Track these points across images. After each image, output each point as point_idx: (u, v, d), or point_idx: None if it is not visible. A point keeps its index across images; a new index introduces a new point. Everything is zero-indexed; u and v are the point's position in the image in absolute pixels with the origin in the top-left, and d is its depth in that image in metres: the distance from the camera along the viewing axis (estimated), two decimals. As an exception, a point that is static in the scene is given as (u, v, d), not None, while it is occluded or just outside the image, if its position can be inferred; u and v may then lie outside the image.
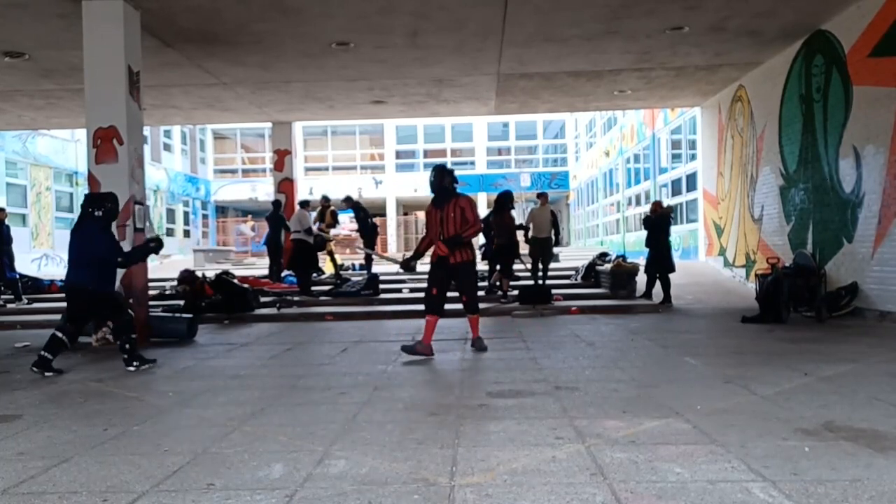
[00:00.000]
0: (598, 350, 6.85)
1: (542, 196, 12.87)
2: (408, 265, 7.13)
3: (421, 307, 6.83)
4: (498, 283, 11.62)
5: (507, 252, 11.38)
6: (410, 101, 13.51)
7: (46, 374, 5.97)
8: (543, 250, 12.06)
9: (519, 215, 15.93)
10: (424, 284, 6.71)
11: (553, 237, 12.10)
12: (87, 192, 7.24)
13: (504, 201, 11.28)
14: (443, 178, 6.61)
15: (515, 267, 11.86)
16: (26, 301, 12.11)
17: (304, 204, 13.22)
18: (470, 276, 6.73)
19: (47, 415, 4.56)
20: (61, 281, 14.03)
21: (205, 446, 3.70)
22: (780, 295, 8.69)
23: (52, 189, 20.08)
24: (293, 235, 12.46)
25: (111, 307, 6.37)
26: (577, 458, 3.32)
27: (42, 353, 6.07)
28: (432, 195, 6.69)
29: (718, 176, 14.23)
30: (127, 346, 6.24)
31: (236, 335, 8.75)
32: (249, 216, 33.20)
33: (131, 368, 6.17)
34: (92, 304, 6.26)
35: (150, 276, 9.83)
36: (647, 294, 11.09)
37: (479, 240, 13.03)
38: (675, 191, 18.14)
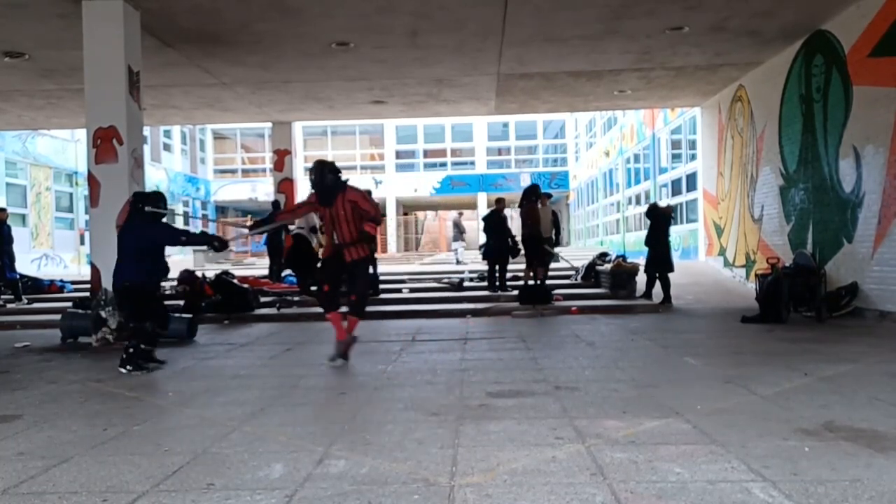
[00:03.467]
0: (598, 350, 6.85)
1: (544, 196, 12.84)
2: (251, 228, 6.83)
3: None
4: (532, 274, 11.40)
5: (535, 243, 11.22)
6: (410, 101, 13.51)
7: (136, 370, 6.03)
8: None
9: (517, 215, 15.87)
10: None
11: (553, 237, 12.09)
12: (135, 190, 7.26)
13: (531, 193, 11.42)
14: (323, 175, 6.01)
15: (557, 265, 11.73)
16: (26, 301, 12.11)
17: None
18: (363, 276, 6.32)
19: (47, 415, 4.56)
20: (61, 281, 14.16)
21: (205, 446, 3.70)
22: (780, 295, 8.69)
23: (52, 189, 20.07)
24: (294, 230, 12.44)
25: (158, 304, 6.34)
26: (577, 458, 3.32)
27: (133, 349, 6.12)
28: (317, 194, 6.11)
29: (718, 176, 14.22)
30: (140, 345, 6.17)
31: (236, 335, 8.75)
32: (249, 216, 33.17)
33: (128, 370, 6.11)
34: (145, 299, 6.16)
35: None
36: (647, 294, 11.09)
37: (480, 239, 13.02)
38: (675, 191, 18.13)
